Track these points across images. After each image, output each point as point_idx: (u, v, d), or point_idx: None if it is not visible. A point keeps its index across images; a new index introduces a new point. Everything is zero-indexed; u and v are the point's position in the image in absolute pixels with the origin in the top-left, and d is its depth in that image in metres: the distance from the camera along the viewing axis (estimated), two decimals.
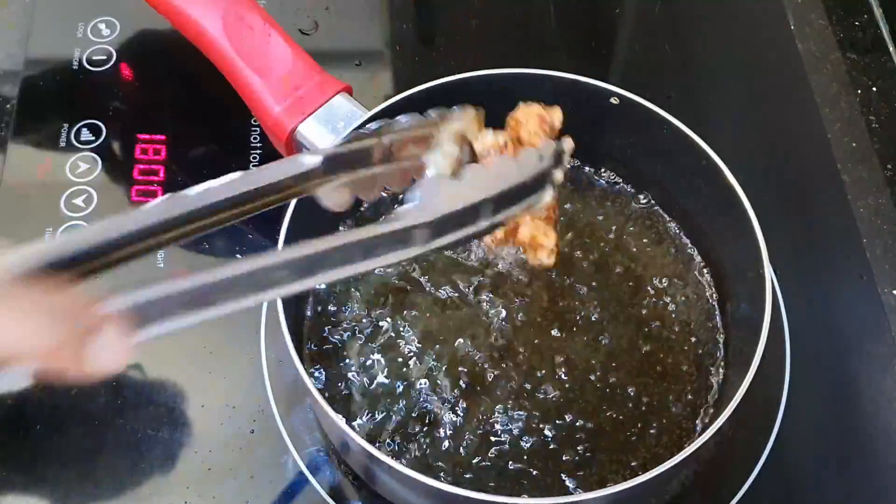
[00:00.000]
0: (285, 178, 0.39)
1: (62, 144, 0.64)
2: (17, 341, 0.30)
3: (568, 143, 0.45)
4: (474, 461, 0.51)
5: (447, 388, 0.53)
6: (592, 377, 0.53)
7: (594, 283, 0.56)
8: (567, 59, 0.71)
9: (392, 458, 0.50)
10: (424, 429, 0.52)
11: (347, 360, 0.54)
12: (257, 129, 0.64)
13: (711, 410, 0.52)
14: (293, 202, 0.51)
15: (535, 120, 0.47)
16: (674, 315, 0.56)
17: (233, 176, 0.38)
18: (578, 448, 0.51)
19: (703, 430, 0.51)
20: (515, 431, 0.52)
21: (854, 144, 0.64)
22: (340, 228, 0.58)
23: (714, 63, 0.71)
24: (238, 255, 0.59)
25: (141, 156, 0.63)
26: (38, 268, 0.32)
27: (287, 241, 0.50)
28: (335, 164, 0.41)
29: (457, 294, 0.56)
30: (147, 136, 0.64)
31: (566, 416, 0.52)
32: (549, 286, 0.56)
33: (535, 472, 0.51)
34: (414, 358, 0.54)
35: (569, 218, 0.59)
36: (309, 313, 0.55)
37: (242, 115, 0.61)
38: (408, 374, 0.53)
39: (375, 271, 0.57)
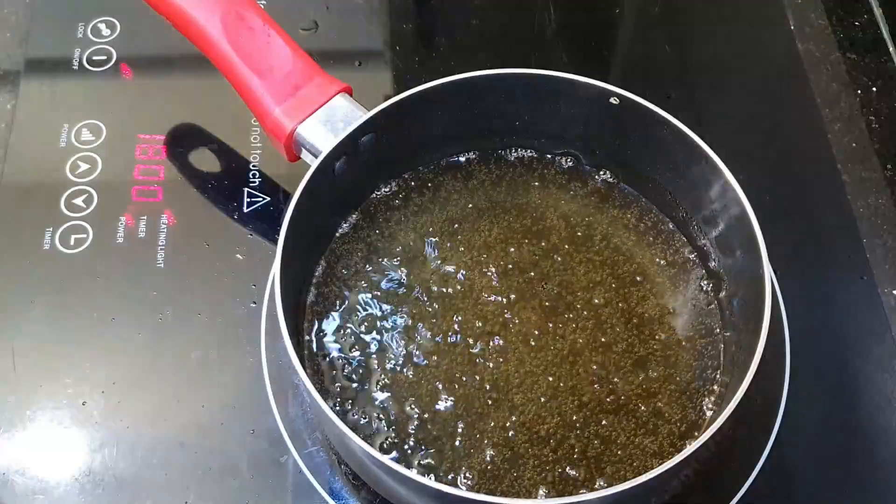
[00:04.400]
0: None
1: (62, 144, 0.64)
2: None
3: None
4: (473, 462, 0.51)
5: (449, 390, 0.53)
6: (590, 377, 0.53)
7: (592, 284, 0.56)
8: (567, 59, 0.71)
9: (392, 458, 0.50)
10: (425, 428, 0.52)
11: (348, 361, 0.54)
12: (257, 129, 0.64)
13: (712, 410, 0.52)
14: (293, 203, 0.51)
15: None
16: (673, 315, 0.56)
17: None
18: (578, 448, 0.51)
19: (704, 429, 0.51)
20: (511, 433, 0.52)
21: (854, 144, 0.64)
22: (343, 226, 0.58)
23: (714, 63, 0.71)
24: (238, 256, 0.59)
25: (141, 156, 0.63)
26: None
27: (287, 241, 0.50)
28: None
29: (456, 297, 0.56)
30: (147, 136, 0.64)
31: (566, 417, 0.52)
32: (547, 287, 0.56)
33: (533, 473, 0.51)
34: (418, 357, 0.54)
35: (568, 218, 0.59)
36: (310, 314, 0.56)
37: (242, 115, 0.61)
38: (410, 374, 0.53)
39: (375, 270, 0.57)
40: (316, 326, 0.55)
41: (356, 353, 0.54)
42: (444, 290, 0.56)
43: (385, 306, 0.56)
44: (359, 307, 0.56)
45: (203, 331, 0.57)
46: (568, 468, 0.51)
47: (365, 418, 0.52)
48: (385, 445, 0.51)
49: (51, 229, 0.60)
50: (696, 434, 0.52)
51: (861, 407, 0.55)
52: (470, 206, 0.60)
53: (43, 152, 0.64)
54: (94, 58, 0.68)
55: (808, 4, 0.71)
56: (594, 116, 0.57)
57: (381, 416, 0.52)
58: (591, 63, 0.71)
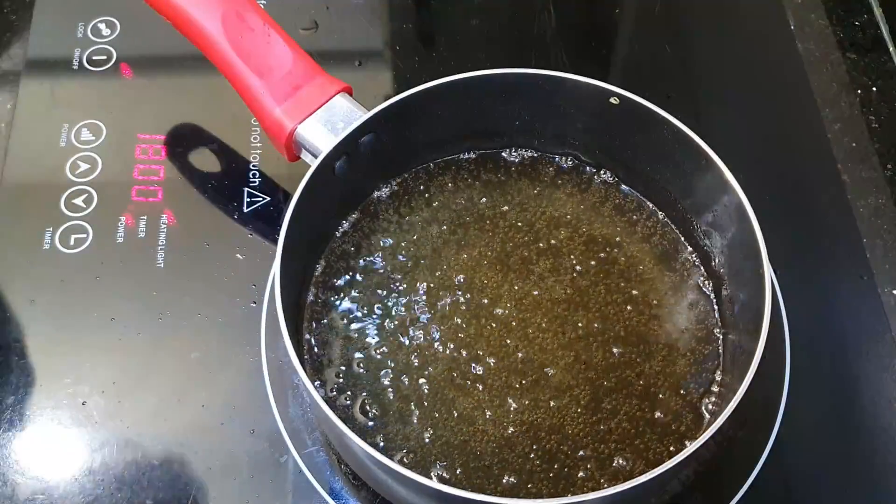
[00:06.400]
0: None
1: (62, 144, 0.64)
2: None
3: None
4: (472, 461, 0.51)
5: (449, 389, 0.53)
6: (591, 377, 0.53)
7: (592, 283, 0.56)
8: (567, 59, 0.71)
9: (391, 458, 0.50)
10: (426, 427, 0.52)
11: (348, 361, 0.54)
12: (257, 129, 0.64)
13: (712, 410, 0.52)
14: (293, 203, 0.51)
15: None
16: (673, 315, 0.56)
17: None
18: (577, 447, 0.51)
19: (704, 429, 0.51)
20: (512, 432, 0.52)
21: (854, 144, 0.64)
22: (343, 225, 0.58)
23: (714, 63, 0.71)
24: (238, 256, 0.59)
25: (141, 156, 0.63)
26: None
27: (287, 241, 0.50)
28: None
29: (457, 298, 0.56)
30: (147, 136, 0.64)
31: (567, 417, 0.52)
32: (547, 287, 0.56)
33: (532, 472, 0.51)
34: (418, 357, 0.54)
35: (568, 218, 0.59)
36: (310, 314, 0.56)
37: (242, 115, 0.61)
38: (411, 374, 0.53)
39: (375, 269, 0.57)
40: (316, 326, 0.55)
41: (356, 353, 0.54)
42: (444, 289, 0.56)
43: (385, 306, 0.56)
44: (359, 307, 0.56)
45: (203, 331, 0.57)
46: (568, 468, 0.51)
47: (365, 418, 0.52)
48: (385, 445, 0.51)
49: (51, 229, 0.60)
50: (696, 434, 0.52)
51: (861, 407, 0.55)
52: (470, 206, 0.60)
53: (43, 152, 0.64)
54: (94, 58, 0.68)
55: (808, 4, 0.71)
56: (594, 116, 0.57)
57: (381, 415, 0.52)
58: (591, 63, 0.71)
